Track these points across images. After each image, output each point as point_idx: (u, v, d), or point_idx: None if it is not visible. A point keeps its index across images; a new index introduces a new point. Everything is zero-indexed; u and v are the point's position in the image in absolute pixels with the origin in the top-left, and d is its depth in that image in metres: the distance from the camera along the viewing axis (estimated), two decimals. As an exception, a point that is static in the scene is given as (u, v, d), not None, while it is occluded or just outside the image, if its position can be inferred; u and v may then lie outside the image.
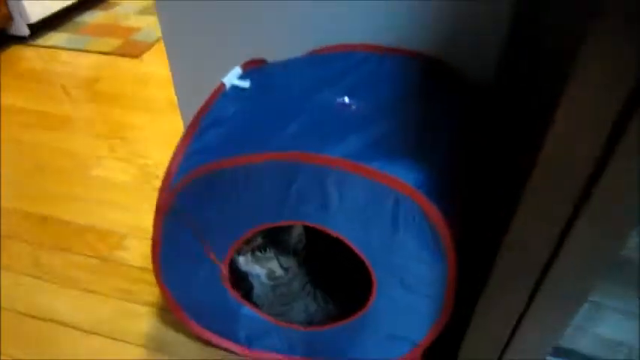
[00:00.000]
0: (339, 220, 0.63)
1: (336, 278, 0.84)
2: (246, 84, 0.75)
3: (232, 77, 0.76)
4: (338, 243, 0.65)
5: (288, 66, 0.82)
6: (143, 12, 2.20)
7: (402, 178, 0.58)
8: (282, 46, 0.85)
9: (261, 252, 0.77)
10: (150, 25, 2.07)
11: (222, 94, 0.75)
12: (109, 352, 0.88)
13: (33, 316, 0.95)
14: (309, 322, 0.82)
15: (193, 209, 0.67)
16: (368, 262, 0.66)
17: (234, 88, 0.75)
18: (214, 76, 0.76)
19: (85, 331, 0.92)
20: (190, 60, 0.99)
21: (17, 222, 1.16)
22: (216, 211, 0.66)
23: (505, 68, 0.75)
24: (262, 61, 0.84)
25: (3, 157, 1.37)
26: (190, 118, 0.72)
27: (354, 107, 0.70)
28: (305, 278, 0.84)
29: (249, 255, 0.77)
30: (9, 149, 1.40)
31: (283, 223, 0.68)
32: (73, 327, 0.93)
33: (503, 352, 0.60)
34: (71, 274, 1.03)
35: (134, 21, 2.13)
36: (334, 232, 0.64)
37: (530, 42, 0.63)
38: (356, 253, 0.65)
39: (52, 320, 0.94)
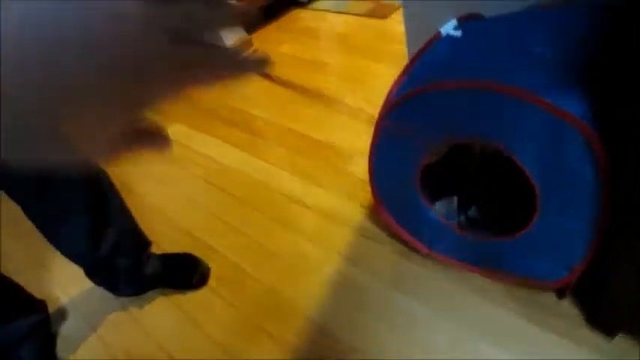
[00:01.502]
0: (514, 142, 0.77)
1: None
2: (458, 33, 0.93)
3: (448, 27, 0.94)
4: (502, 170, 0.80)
5: (498, 19, 0.95)
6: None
7: (570, 111, 0.69)
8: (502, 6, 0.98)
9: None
10: (400, -11, 2.33)
11: (437, 41, 0.94)
12: (325, 228, 1.22)
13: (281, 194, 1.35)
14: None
15: (403, 121, 0.90)
16: (535, 183, 0.79)
17: (448, 36, 0.94)
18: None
19: (310, 209, 1.28)
20: (422, 20, 1.20)
21: (280, 133, 1.61)
22: (421, 123, 0.88)
23: None
24: (479, 16, 0.99)
25: (275, 87, 1.85)
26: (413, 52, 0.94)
27: (545, 53, 0.81)
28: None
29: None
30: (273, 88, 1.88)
31: (469, 140, 0.85)
32: (301, 204, 1.30)
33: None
34: (312, 172, 1.41)
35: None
36: (509, 152, 0.79)
37: None
38: (525, 175, 0.79)
39: (287, 196, 1.33)
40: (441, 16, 1.10)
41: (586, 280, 0.85)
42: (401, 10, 2.18)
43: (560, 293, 0.94)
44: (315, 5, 2.46)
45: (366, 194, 1.28)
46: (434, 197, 1.03)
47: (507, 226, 0.90)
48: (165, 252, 1.22)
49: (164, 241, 1.29)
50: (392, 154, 0.98)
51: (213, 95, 1.93)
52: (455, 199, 1.03)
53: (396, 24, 2.09)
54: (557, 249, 0.84)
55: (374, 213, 1.22)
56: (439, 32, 0.94)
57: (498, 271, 0.98)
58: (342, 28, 2.22)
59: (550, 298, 0.94)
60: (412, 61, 0.94)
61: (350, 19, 2.26)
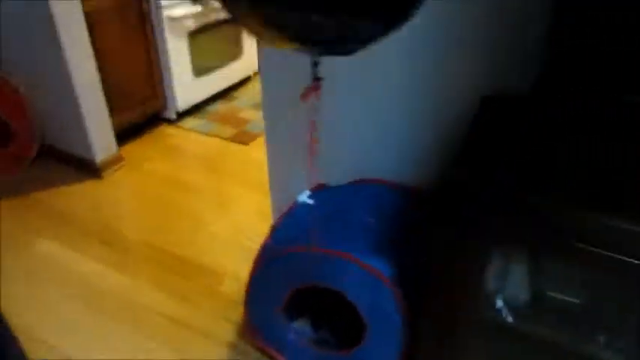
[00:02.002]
0: (349, 290, 1.14)
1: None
2: (311, 202, 1.31)
3: (303, 197, 1.32)
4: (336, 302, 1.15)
5: (337, 191, 1.37)
6: (255, 106, 2.92)
7: (386, 273, 1.08)
8: (338, 176, 1.40)
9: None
10: (258, 118, 2.76)
11: (296, 207, 1.31)
12: (199, 346, 1.43)
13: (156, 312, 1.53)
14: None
15: (271, 271, 1.21)
16: (364, 316, 1.15)
17: (304, 203, 1.31)
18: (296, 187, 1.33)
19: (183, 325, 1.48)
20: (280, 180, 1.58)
21: (145, 251, 1.79)
22: (284, 272, 1.20)
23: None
24: (323, 185, 1.40)
25: (146, 205, 2.04)
26: (278, 210, 1.28)
27: (370, 222, 1.22)
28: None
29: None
30: (149, 203, 2.08)
31: (316, 284, 1.20)
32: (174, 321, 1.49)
33: None
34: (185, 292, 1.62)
35: (247, 113, 2.85)
36: (344, 293, 1.14)
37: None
38: (355, 308, 1.15)
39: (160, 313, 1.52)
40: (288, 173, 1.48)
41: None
42: (260, 138, 2.59)
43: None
44: (182, 124, 2.74)
45: (235, 314, 1.54)
46: (293, 319, 1.34)
47: (347, 343, 1.25)
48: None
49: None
50: (263, 290, 1.27)
51: (86, 208, 2.03)
52: (309, 322, 1.35)
53: (256, 151, 2.47)
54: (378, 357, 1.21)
55: (245, 332, 1.47)
56: (297, 200, 1.31)
57: (341, 376, 1.31)
58: (208, 150, 2.52)
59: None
60: (276, 224, 1.28)
61: (215, 141, 2.59)
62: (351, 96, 1.32)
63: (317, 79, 0.74)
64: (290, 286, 1.23)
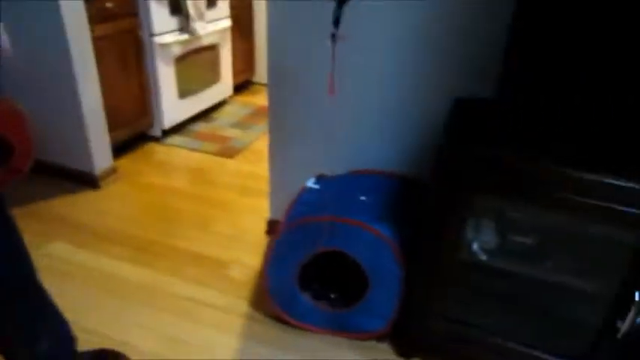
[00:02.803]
0: (354, 250, 1.42)
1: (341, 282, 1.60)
2: (316, 187, 1.59)
3: (310, 182, 1.60)
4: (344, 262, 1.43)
5: (338, 179, 1.66)
6: (234, 125, 3.19)
7: (385, 233, 1.38)
8: (335, 168, 1.70)
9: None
10: (239, 135, 3.03)
11: (305, 191, 1.58)
12: (222, 317, 1.64)
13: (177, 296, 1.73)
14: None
15: (290, 240, 1.47)
16: (367, 272, 1.43)
17: (310, 187, 1.59)
18: (296, 180, 1.61)
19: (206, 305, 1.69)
20: (282, 170, 1.86)
21: (155, 248, 1.99)
22: (300, 240, 1.46)
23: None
24: (324, 175, 1.69)
25: (146, 210, 2.23)
26: (276, 202, 1.55)
27: (366, 200, 1.52)
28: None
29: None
30: (149, 209, 2.28)
31: (327, 249, 1.47)
32: (197, 301, 1.70)
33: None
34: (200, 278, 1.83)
35: (228, 131, 3.11)
36: (351, 254, 1.42)
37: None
38: (360, 266, 1.43)
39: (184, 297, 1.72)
40: (295, 167, 1.76)
41: (395, 328, 1.50)
42: (242, 152, 2.85)
43: (381, 339, 1.56)
44: (168, 141, 2.95)
45: (247, 292, 1.76)
46: (307, 285, 1.60)
47: (351, 300, 1.52)
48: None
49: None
50: (279, 259, 1.53)
51: (90, 214, 2.19)
52: (317, 286, 1.61)
53: (242, 163, 2.73)
54: (379, 310, 1.48)
55: (259, 303, 1.70)
56: (306, 185, 1.59)
57: (345, 330, 1.57)
58: (196, 163, 2.75)
59: (374, 343, 1.56)
60: (293, 202, 1.55)
61: (201, 156, 2.82)
62: (348, 101, 1.64)
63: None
64: (303, 255, 1.49)
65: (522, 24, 1.07)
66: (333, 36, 1.05)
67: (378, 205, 1.50)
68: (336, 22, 1.04)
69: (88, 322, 1.61)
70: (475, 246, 1.30)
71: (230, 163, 2.75)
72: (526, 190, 1.10)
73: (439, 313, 1.34)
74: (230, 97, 3.58)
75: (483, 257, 1.29)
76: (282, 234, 1.48)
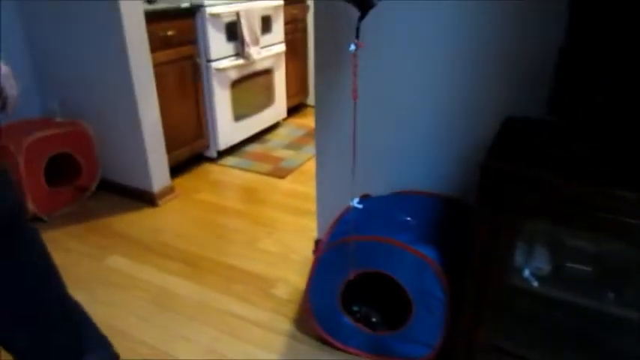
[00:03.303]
0: (397, 272, 1.38)
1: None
2: (360, 206, 1.57)
3: (355, 202, 1.59)
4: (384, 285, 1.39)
5: (382, 199, 1.64)
6: (287, 147, 3.25)
7: (428, 255, 1.33)
8: (379, 189, 1.68)
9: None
10: (291, 156, 3.08)
11: (349, 210, 1.57)
12: (265, 335, 1.64)
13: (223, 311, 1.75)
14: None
15: (332, 259, 1.46)
16: (411, 295, 1.38)
17: (355, 207, 1.58)
18: (342, 200, 1.60)
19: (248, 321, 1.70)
20: (328, 190, 1.86)
21: (204, 263, 2.03)
22: (342, 260, 1.44)
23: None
24: (368, 195, 1.67)
25: (199, 228, 2.30)
26: (322, 222, 1.54)
27: (411, 221, 1.48)
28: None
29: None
30: (203, 226, 2.34)
31: (369, 270, 1.44)
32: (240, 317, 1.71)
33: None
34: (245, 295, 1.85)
35: (280, 152, 3.17)
36: (394, 276, 1.38)
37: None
38: (403, 289, 1.38)
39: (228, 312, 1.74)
40: (339, 189, 1.76)
41: (441, 357, 1.44)
42: (294, 172, 2.89)
43: (426, 367, 1.50)
44: (222, 162, 3.05)
45: (290, 310, 1.76)
46: (349, 307, 1.57)
47: (394, 325, 1.48)
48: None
49: (123, 353, 1.55)
50: (322, 280, 1.52)
51: (147, 230, 2.29)
52: (361, 308, 1.58)
53: (292, 183, 2.76)
54: (423, 337, 1.42)
55: (301, 323, 1.69)
56: (350, 205, 1.58)
57: (388, 356, 1.52)
58: (249, 183, 2.82)
59: (420, 372, 1.50)
60: (335, 221, 1.55)
61: (254, 176, 2.89)
62: (393, 123, 1.63)
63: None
64: (346, 274, 1.47)
65: (574, 47, 1.02)
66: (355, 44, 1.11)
67: (422, 227, 1.46)
68: (357, 33, 1.08)
69: (138, 332, 1.67)
70: (527, 272, 1.23)
71: (281, 183, 2.79)
72: (577, 214, 1.02)
73: (487, 343, 1.27)
74: (284, 119, 3.67)
75: (535, 284, 1.21)
76: (323, 253, 1.47)
